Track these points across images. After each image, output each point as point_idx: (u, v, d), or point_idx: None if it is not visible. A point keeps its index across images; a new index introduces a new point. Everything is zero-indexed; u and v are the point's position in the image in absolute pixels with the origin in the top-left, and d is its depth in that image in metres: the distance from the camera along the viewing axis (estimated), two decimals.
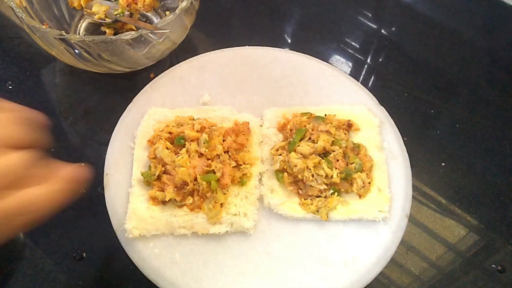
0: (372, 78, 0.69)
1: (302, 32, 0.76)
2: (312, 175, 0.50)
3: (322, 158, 0.51)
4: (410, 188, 0.52)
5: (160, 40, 0.57)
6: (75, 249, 0.51)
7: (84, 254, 0.51)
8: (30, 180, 0.33)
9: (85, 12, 0.65)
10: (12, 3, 0.54)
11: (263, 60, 0.62)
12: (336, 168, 0.50)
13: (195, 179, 0.49)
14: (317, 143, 0.52)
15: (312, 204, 0.50)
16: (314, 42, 0.73)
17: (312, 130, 0.53)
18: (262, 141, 0.55)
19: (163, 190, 0.49)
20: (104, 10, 0.64)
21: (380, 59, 0.72)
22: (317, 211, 0.49)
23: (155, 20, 0.70)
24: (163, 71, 0.60)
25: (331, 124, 0.54)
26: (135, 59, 0.58)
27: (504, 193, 0.58)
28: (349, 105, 0.58)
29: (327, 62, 0.64)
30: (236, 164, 0.52)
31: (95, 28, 0.68)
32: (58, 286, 0.50)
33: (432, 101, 0.67)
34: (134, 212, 0.49)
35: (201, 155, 0.51)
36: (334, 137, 0.53)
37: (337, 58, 0.71)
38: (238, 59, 0.63)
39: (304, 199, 0.50)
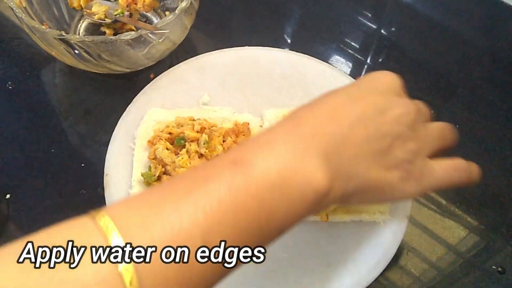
0: None
1: (302, 32, 0.76)
2: None
3: None
4: None
5: (160, 40, 0.56)
6: None
7: None
8: None
9: (85, 12, 0.65)
10: (12, 3, 0.54)
11: (263, 60, 0.62)
12: None
13: None
14: None
15: None
16: (314, 42, 0.73)
17: None
18: None
19: None
20: (104, 10, 0.63)
21: (380, 59, 0.72)
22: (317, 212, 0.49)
23: (155, 20, 0.70)
24: (163, 71, 0.60)
25: None
26: (135, 59, 0.58)
27: (504, 194, 0.58)
28: None
29: (327, 62, 0.64)
30: None
31: (95, 28, 0.68)
32: None
33: (432, 101, 0.66)
34: None
35: (201, 155, 0.51)
36: None
37: (337, 58, 0.71)
38: (238, 59, 0.62)
39: None
